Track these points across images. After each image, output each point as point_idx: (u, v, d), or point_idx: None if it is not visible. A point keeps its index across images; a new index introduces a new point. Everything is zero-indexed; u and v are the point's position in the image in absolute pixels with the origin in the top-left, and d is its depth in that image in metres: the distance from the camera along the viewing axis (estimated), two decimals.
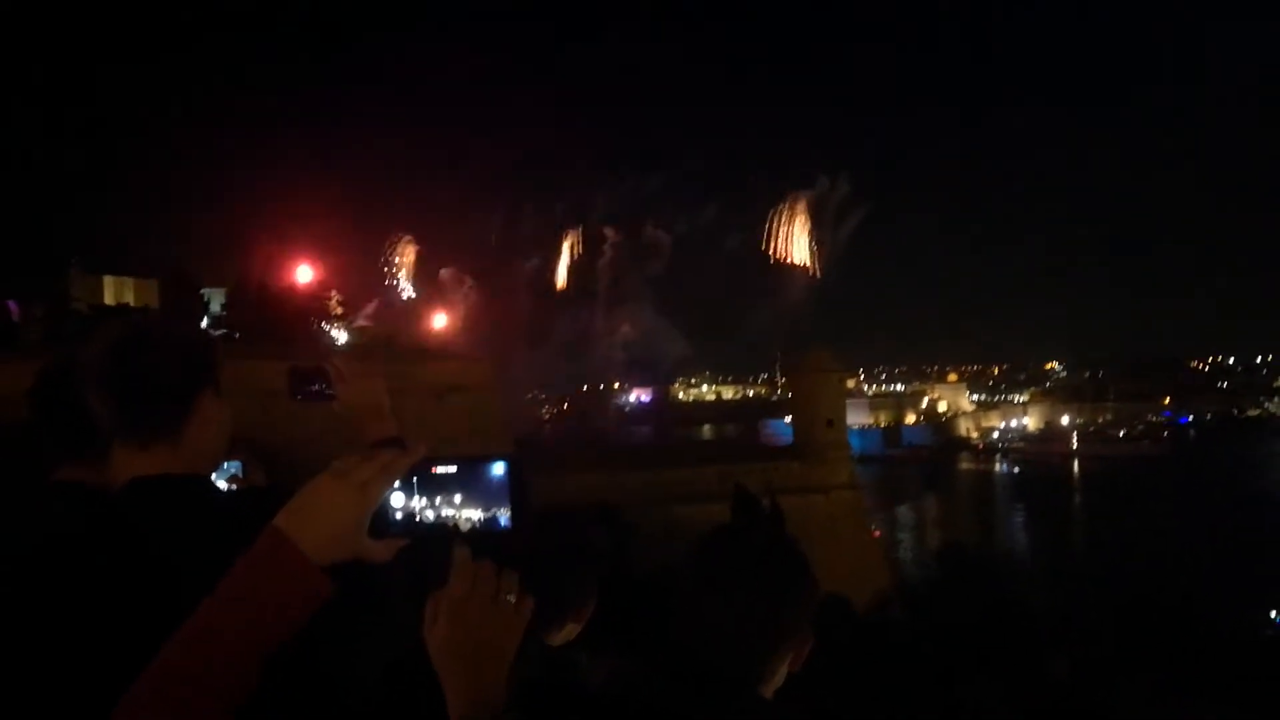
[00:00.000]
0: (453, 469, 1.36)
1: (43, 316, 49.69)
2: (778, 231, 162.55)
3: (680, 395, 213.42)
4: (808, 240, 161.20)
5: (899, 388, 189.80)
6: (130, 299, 60.33)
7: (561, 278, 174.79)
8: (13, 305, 52.57)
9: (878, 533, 52.36)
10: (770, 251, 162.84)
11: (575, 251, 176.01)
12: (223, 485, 2.81)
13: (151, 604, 1.44)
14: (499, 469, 1.36)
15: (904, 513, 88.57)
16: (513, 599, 1.28)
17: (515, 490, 1.36)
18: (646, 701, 1.68)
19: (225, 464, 2.80)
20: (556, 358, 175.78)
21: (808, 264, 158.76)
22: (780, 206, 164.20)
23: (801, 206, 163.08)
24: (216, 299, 59.07)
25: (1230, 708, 14.66)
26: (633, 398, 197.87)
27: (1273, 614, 38.23)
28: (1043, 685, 15.68)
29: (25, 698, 1.50)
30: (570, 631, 2.26)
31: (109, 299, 59.18)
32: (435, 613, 1.26)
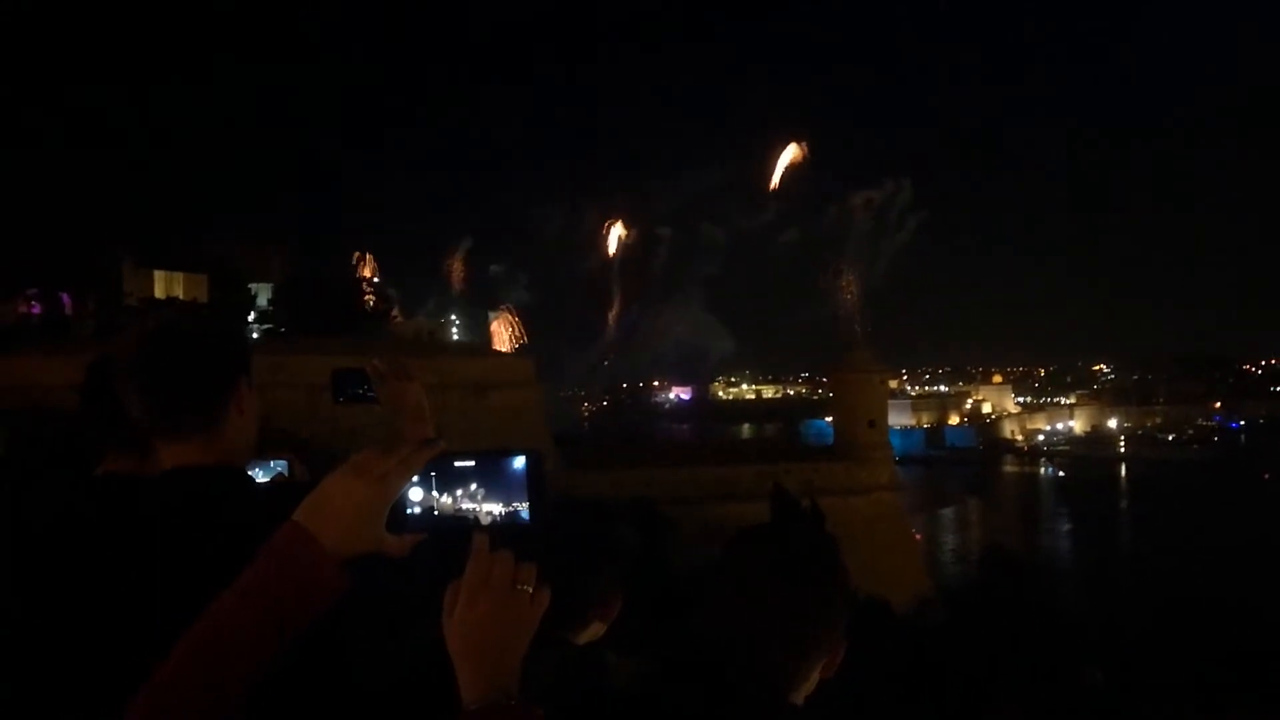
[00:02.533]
0: (471, 463, 1.37)
1: (95, 310, 50.80)
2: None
3: (720, 393, 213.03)
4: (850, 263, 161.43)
5: (942, 388, 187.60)
6: (180, 293, 61.45)
7: (615, 276, 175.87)
8: (66, 298, 53.77)
9: (918, 535, 51.83)
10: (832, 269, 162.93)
11: (629, 250, 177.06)
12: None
13: (173, 592, 1.45)
14: (519, 463, 1.36)
15: (946, 515, 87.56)
16: (529, 589, 1.29)
17: (534, 485, 1.36)
18: (675, 703, 1.68)
19: (271, 463, 2.86)
20: (604, 355, 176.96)
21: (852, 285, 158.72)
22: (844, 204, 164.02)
23: (860, 207, 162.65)
24: (264, 294, 59.94)
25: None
26: (672, 395, 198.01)
27: None
28: (1077, 692, 15.44)
29: (40, 683, 1.53)
30: (596, 631, 2.25)
31: (159, 293, 60.31)
32: (453, 599, 1.28)
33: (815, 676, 1.75)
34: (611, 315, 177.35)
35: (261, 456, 2.81)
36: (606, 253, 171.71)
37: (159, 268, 63.65)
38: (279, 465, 2.82)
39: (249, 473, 1.91)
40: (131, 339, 1.76)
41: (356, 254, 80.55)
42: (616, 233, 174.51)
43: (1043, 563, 50.98)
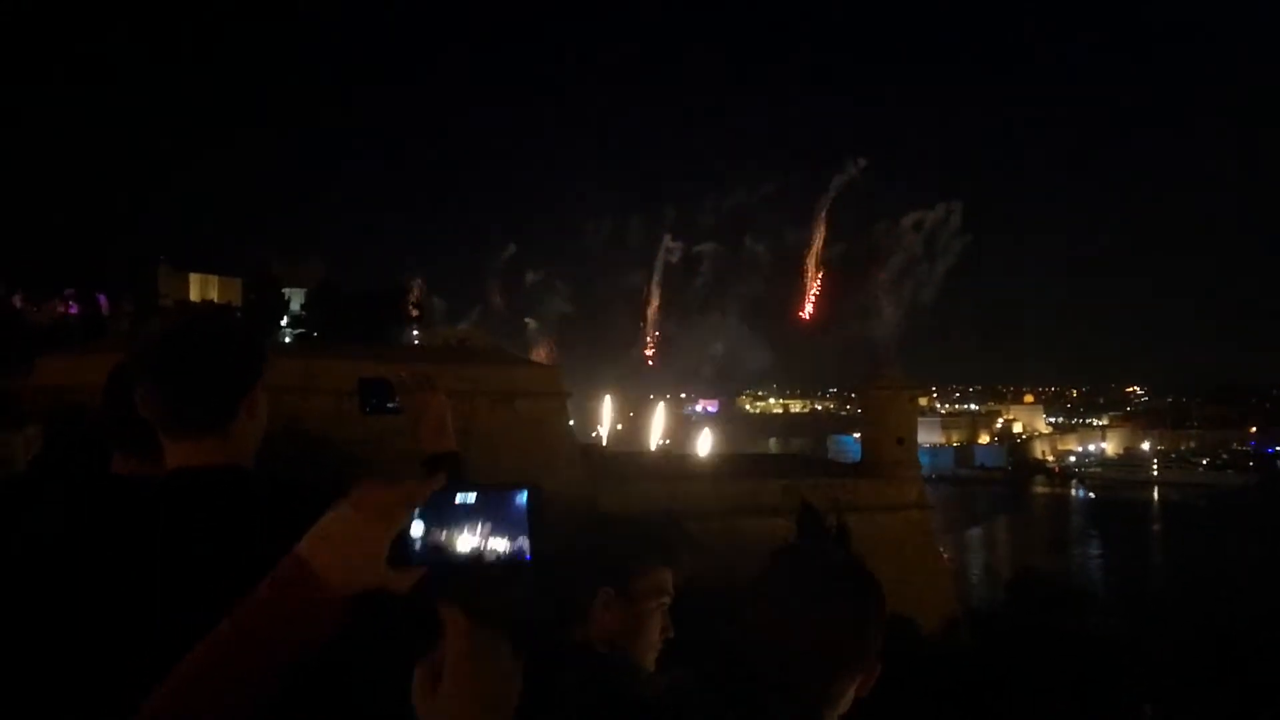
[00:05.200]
0: (472, 498, 1.31)
1: (131, 311, 51.60)
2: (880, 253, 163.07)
3: (747, 407, 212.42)
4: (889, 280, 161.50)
5: (973, 407, 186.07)
6: (214, 296, 62.34)
7: (656, 290, 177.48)
8: (103, 299, 54.67)
9: (947, 555, 51.29)
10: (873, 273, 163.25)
11: (673, 264, 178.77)
12: None
13: (175, 593, 1.45)
14: (521, 499, 1.30)
15: (974, 535, 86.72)
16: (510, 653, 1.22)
17: (535, 522, 1.30)
18: (707, 717, 1.65)
19: None
20: (640, 367, 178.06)
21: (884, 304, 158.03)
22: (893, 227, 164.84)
23: (910, 229, 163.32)
24: (297, 298, 60.53)
25: None
26: (699, 408, 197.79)
27: None
28: None
29: (43, 687, 1.51)
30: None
31: (194, 295, 61.24)
32: (428, 680, 1.20)
33: (850, 695, 1.72)
34: (649, 327, 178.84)
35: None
36: (662, 267, 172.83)
37: (195, 270, 64.67)
38: None
39: (256, 472, 1.88)
40: (152, 333, 1.75)
41: (407, 277, 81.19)
42: (664, 246, 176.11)
43: (1074, 586, 50.27)
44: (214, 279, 65.23)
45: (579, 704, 1.88)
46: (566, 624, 2.15)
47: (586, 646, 2.12)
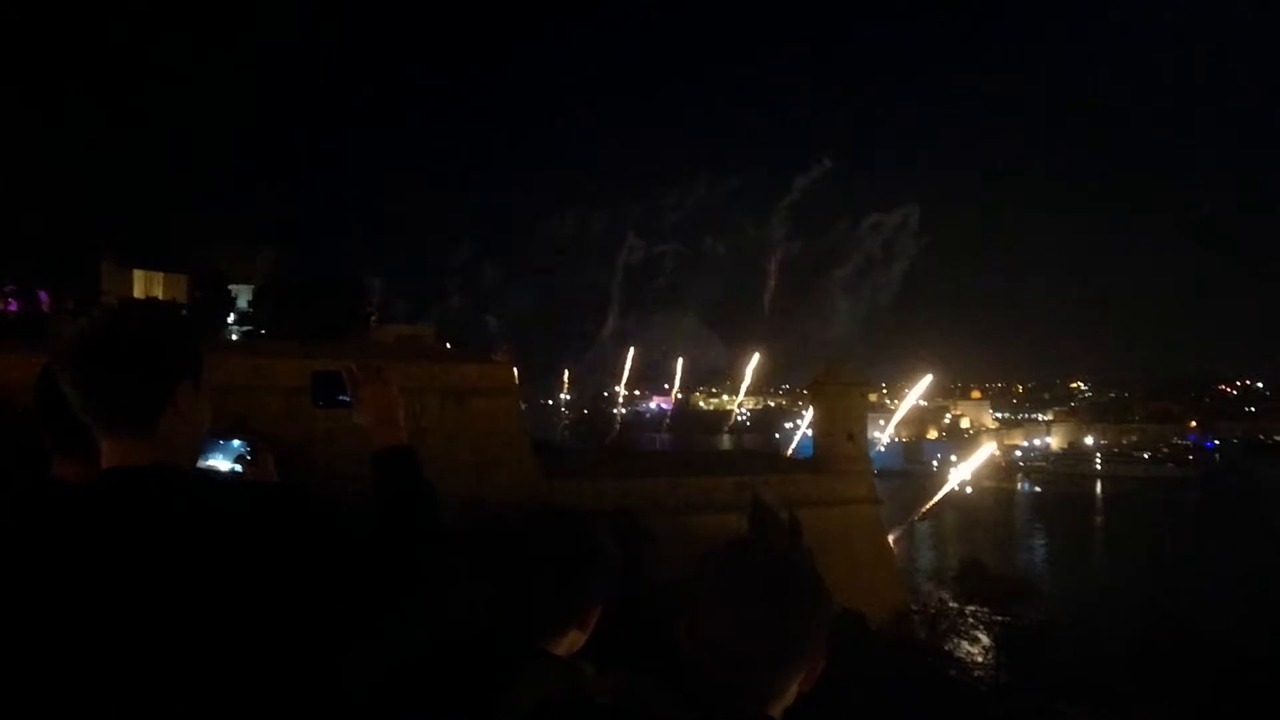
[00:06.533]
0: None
1: (73, 309, 50.33)
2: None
3: (701, 404, 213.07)
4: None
5: (922, 402, 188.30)
6: (159, 293, 60.98)
7: (617, 287, 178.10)
8: (44, 296, 53.27)
9: (895, 547, 51.92)
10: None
11: (633, 264, 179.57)
12: (226, 466, 2.82)
13: (99, 598, 1.43)
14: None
15: (923, 529, 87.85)
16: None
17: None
18: (652, 716, 1.66)
19: (236, 442, 2.82)
20: (596, 364, 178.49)
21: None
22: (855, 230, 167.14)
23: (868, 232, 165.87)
24: (244, 295, 59.47)
25: None
26: (653, 405, 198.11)
27: None
28: None
29: None
30: (575, 640, 2.21)
31: (138, 292, 59.86)
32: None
33: (793, 690, 1.74)
34: (608, 325, 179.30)
35: (223, 436, 2.75)
36: (623, 266, 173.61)
37: (139, 267, 63.21)
38: (241, 446, 2.77)
39: (188, 472, 1.81)
40: (76, 329, 1.73)
41: (367, 276, 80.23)
42: (627, 245, 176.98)
43: (1019, 578, 51.20)
44: (159, 276, 63.77)
45: (531, 705, 1.88)
46: (544, 637, 2.15)
47: (540, 651, 2.12)
